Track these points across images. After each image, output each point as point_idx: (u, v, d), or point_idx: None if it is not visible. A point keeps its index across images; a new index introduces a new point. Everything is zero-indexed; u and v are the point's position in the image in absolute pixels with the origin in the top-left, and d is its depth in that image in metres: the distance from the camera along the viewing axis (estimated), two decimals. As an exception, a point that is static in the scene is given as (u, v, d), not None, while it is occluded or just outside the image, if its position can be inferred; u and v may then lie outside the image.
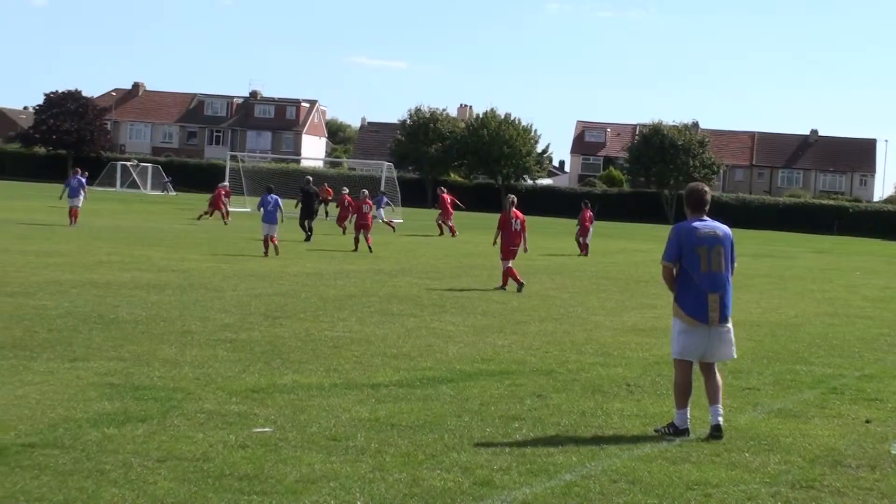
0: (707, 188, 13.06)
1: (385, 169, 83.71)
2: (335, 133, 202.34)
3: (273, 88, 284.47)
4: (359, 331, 19.49)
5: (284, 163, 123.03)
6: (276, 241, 37.22)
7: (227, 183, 66.05)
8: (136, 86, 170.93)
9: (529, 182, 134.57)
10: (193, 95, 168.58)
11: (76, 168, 54.74)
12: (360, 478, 9.97)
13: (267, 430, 11.58)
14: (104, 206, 65.72)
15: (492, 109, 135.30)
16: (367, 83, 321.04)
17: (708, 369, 12.59)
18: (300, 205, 50.80)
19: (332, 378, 14.80)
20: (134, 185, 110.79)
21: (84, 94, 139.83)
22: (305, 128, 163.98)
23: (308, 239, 47.15)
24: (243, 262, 33.02)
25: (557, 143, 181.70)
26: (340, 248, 42.36)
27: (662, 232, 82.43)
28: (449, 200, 59.32)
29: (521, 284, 28.86)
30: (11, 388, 12.91)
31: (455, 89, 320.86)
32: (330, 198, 67.68)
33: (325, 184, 67.01)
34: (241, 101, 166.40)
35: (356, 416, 12.45)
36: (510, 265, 29.43)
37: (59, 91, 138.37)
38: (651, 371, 16.76)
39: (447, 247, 48.98)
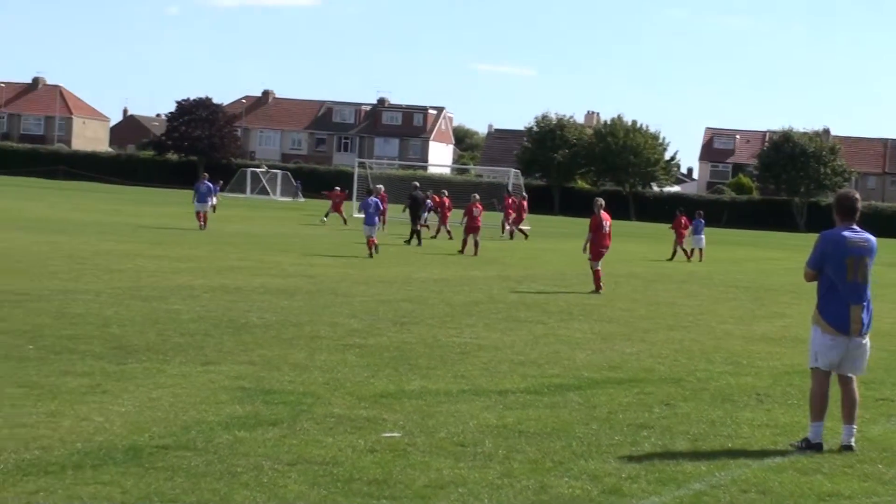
0: (857, 196, 12.69)
1: (512, 175, 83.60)
2: (462, 140, 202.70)
3: (401, 96, 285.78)
4: (486, 337, 19.51)
5: (412, 169, 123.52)
6: (375, 241, 39.17)
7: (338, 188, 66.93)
8: (265, 93, 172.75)
9: (657, 189, 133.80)
10: (322, 103, 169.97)
11: (204, 173, 55.74)
12: (488, 484, 9.98)
13: (395, 434, 11.64)
14: (234, 213, 66.53)
15: (619, 116, 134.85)
16: (494, 90, 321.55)
17: (846, 382, 12.36)
18: (407, 210, 51.12)
19: (460, 384, 14.83)
20: (263, 191, 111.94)
21: (215, 101, 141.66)
22: (433, 135, 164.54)
23: (408, 242, 47.84)
24: (371, 268, 33.21)
25: (686, 150, 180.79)
26: (450, 252, 42.40)
27: (792, 240, 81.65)
28: (525, 206, 59.20)
29: (598, 289, 29.54)
30: (145, 391, 13.11)
31: (582, 96, 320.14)
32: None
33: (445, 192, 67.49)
34: (369, 108, 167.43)
35: (484, 422, 12.46)
36: (599, 267, 29.98)
37: (191, 99, 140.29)
38: (781, 381, 16.57)
39: (574, 253, 48.79)
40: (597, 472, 10.53)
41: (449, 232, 55.35)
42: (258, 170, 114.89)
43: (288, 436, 11.31)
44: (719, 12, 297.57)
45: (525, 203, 61.93)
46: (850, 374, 12.32)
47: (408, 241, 47.96)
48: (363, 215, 41.40)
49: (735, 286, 35.24)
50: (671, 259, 48.41)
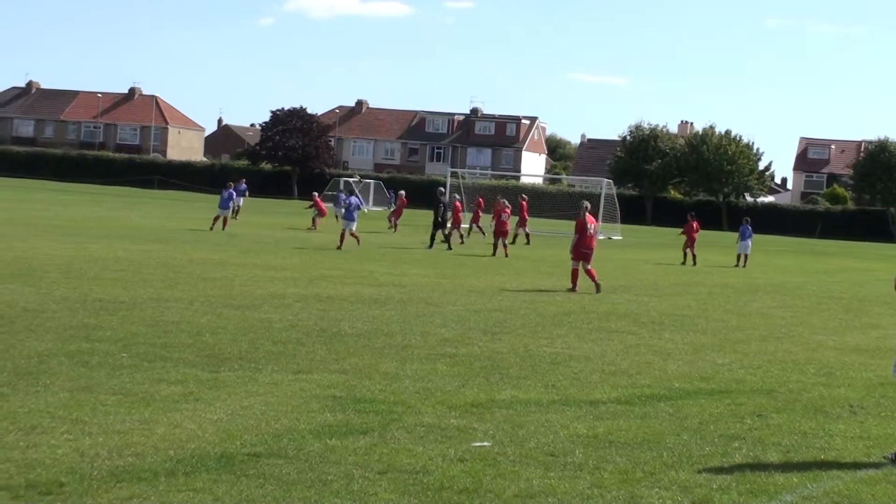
0: None
1: (605, 185, 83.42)
2: (554, 149, 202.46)
3: (493, 105, 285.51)
4: (577, 347, 19.48)
5: (504, 179, 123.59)
6: (355, 235, 44.15)
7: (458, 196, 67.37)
8: (359, 103, 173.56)
9: (751, 199, 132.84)
10: (415, 113, 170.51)
11: (230, 182, 57.92)
12: (579, 494, 9.97)
13: (486, 444, 11.65)
14: (327, 222, 66.82)
15: (712, 126, 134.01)
16: (586, 99, 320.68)
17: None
18: (434, 214, 51.16)
19: (551, 394, 14.82)
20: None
21: (309, 111, 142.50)
22: (525, 144, 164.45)
23: (430, 247, 47.98)
24: (462, 277, 33.25)
25: (780, 160, 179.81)
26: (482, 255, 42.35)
27: (887, 251, 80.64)
28: (525, 207, 59.25)
29: (598, 285, 30.84)
30: (238, 399, 13.23)
31: (675, 105, 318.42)
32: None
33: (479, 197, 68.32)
34: (461, 118, 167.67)
35: (574, 432, 12.45)
36: (589, 267, 31.27)
37: (285, 108, 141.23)
38: (875, 392, 16.40)
39: (667, 264, 48.61)
40: (687, 483, 10.49)
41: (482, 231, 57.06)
42: (351, 179, 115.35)
43: (378, 444, 11.36)
44: (814, 21, 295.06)
45: (524, 204, 62.36)
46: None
47: (430, 247, 48.00)
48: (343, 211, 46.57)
49: (829, 297, 34.89)
50: (683, 264, 48.60)
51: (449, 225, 50.20)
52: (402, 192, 67.76)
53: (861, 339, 23.57)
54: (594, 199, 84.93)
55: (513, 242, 55.98)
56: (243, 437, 11.32)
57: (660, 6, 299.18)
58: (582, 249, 31.53)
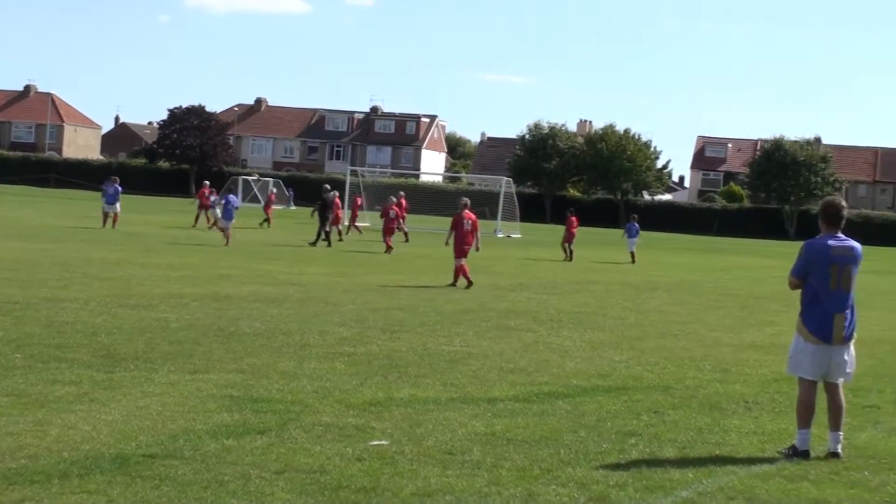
0: (844, 203, 12.63)
1: (504, 184, 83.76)
2: (454, 148, 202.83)
3: (393, 104, 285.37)
4: (476, 345, 19.51)
5: (404, 177, 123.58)
6: (229, 233, 45.40)
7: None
8: (258, 101, 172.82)
9: (648, 197, 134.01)
10: (315, 111, 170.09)
11: (114, 176, 58.14)
12: (476, 492, 9.98)
13: (383, 443, 11.64)
14: (252, 222, 66.43)
15: (611, 125, 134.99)
16: (486, 98, 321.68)
17: (832, 390, 12.36)
18: (316, 212, 51.33)
19: (449, 392, 14.83)
20: (255, 199, 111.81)
21: (207, 109, 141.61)
22: (425, 143, 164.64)
23: (313, 244, 48.15)
24: (361, 276, 33.21)
25: (677, 159, 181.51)
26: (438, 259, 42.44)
27: (782, 248, 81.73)
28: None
29: (470, 283, 31.28)
30: (133, 400, 13.10)
31: (575, 105, 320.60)
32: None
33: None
34: (361, 116, 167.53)
35: (472, 430, 12.46)
36: (463, 263, 31.80)
37: (183, 106, 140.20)
38: (770, 388, 16.59)
39: (565, 263, 48.90)
40: (584, 480, 10.54)
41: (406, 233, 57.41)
42: (250, 178, 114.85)
43: (276, 444, 11.30)
44: (712, 21, 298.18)
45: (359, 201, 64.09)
46: (836, 382, 12.33)
47: (313, 243, 48.08)
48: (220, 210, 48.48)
49: (725, 294, 35.28)
50: (565, 259, 49.95)
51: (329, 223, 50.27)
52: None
53: (756, 335, 23.85)
54: (494, 197, 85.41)
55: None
56: (139, 438, 11.21)
57: (560, 6, 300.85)
58: (462, 246, 32.13)
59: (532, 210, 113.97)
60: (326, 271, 34.20)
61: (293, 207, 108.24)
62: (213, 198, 54.77)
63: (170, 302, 23.06)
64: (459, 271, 31.72)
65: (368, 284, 30.47)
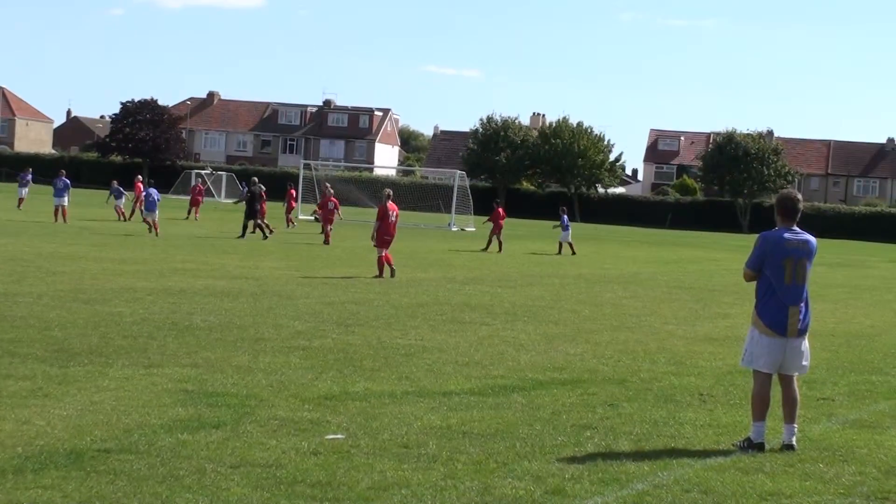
0: (799, 196, 12.68)
1: (457, 177, 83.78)
2: (408, 141, 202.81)
3: (346, 97, 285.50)
4: (431, 339, 19.52)
5: (357, 171, 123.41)
6: (155, 224, 46.80)
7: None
8: (210, 95, 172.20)
9: (602, 191, 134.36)
10: (268, 104, 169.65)
11: (62, 170, 59.33)
12: (432, 485, 9.99)
13: (339, 437, 11.63)
14: (179, 214, 66.26)
15: (564, 118, 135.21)
16: (439, 92, 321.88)
17: (787, 382, 12.41)
18: (244, 203, 51.45)
19: (404, 386, 14.83)
20: (208, 193, 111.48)
21: (160, 103, 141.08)
22: (378, 136, 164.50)
23: (241, 237, 48.09)
24: (315, 269, 33.15)
25: (630, 152, 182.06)
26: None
27: (736, 241, 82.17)
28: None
29: (393, 271, 31.87)
30: (87, 394, 13.04)
31: (528, 98, 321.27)
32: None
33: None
34: (314, 109, 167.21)
35: (428, 423, 12.47)
36: (386, 253, 32.12)
37: (136, 100, 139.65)
38: (724, 381, 16.66)
39: (519, 256, 48.98)
40: (540, 473, 10.56)
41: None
42: (203, 171, 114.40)
43: (231, 438, 11.27)
44: (665, 15, 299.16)
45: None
46: (791, 374, 12.40)
47: (241, 236, 48.01)
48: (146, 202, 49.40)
49: (678, 287, 35.41)
50: (486, 250, 50.88)
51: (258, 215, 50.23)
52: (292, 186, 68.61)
53: (710, 328, 23.95)
54: (447, 191, 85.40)
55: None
56: (93, 433, 11.16)
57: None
58: (385, 236, 32.35)
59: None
60: (280, 265, 34.12)
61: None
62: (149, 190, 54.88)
63: (123, 296, 22.96)
64: (383, 261, 31.97)
65: (323, 278, 30.41)
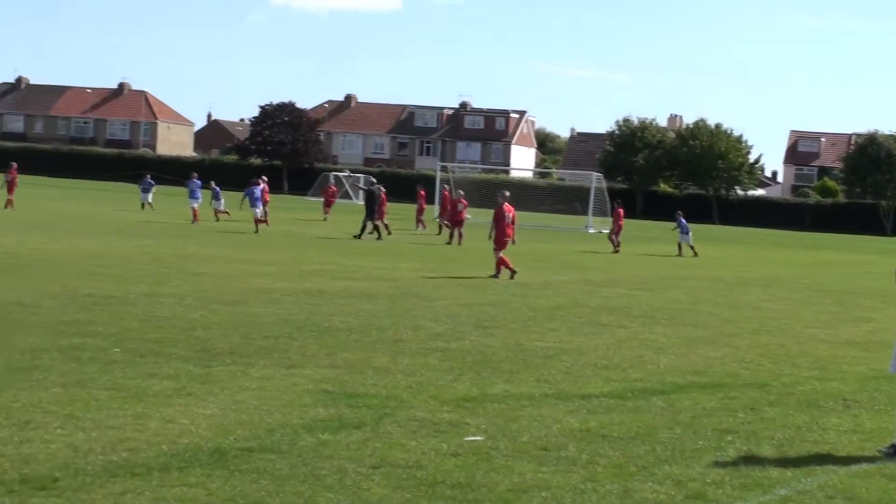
0: None
1: (594, 179, 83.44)
2: (544, 143, 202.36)
3: (483, 99, 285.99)
4: (569, 341, 19.47)
5: (493, 173, 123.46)
6: (260, 221, 49.44)
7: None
8: (348, 98, 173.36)
9: (741, 193, 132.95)
10: (404, 107, 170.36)
11: (194, 172, 61.58)
12: (572, 488, 9.96)
13: (478, 438, 11.64)
14: (317, 216, 66.88)
15: (702, 119, 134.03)
16: (576, 93, 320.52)
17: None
18: (364, 204, 51.43)
19: (543, 388, 14.81)
20: (346, 195, 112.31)
21: (298, 106, 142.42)
22: (515, 138, 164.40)
23: (358, 237, 48.11)
24: (453, 271, 33.22)
25: (770, 153, 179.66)
26: (530, 255, 42.32)
27: (879, 244, 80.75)
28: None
29: (513, 272, 31.78)
30: (230, 394, 13.21)
31: (665, 99, 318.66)
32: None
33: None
34: (451, 112, 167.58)
35: (567, 426, 12.44)
36: (502, 255, 32.14)
37: (274, 103, 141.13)
38: (868, 386, 16.39)
39: (657, 258, 48.67)
40: (681, 477, 10.48)
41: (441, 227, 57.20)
42: (340, 174, 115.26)
43: (371, 439, 11.34)
44: (804, 14, 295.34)
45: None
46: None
47: (358, 236, 48.08)
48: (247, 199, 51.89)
49: (819, 290, 34.91)
50: (616, 251, 50.92)
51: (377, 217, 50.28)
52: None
53: (853, 332, 23.57)
54: (584, 193, 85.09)
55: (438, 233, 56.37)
56: (236, 432, 11.30)
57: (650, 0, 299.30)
58: (503, 238, 32.48)
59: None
60: (419, 267, 34.25)
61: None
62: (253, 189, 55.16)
63: (264, 297, 23.21)
64: (501, 263, 32.04)
65: (460, 280, 30.49)
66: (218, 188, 58.19)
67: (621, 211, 53.75)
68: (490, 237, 33.02)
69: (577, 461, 10.90)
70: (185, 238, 40.82)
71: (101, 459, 10.04)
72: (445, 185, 62.88)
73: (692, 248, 51.88)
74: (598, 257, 46.04)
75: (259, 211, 50.88)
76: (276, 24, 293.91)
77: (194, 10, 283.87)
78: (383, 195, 51.89)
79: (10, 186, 55.07)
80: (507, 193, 33.93)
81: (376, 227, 48.89)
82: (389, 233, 50.42)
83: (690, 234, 52.36)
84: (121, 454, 10.26)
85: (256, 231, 47.59)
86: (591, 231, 73.16)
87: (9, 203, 54.02)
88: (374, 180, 53.47)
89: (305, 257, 35.32)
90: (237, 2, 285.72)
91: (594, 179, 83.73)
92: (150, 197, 62.97)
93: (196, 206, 54.69)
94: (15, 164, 58.12)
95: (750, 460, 11.32)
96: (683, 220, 52.83)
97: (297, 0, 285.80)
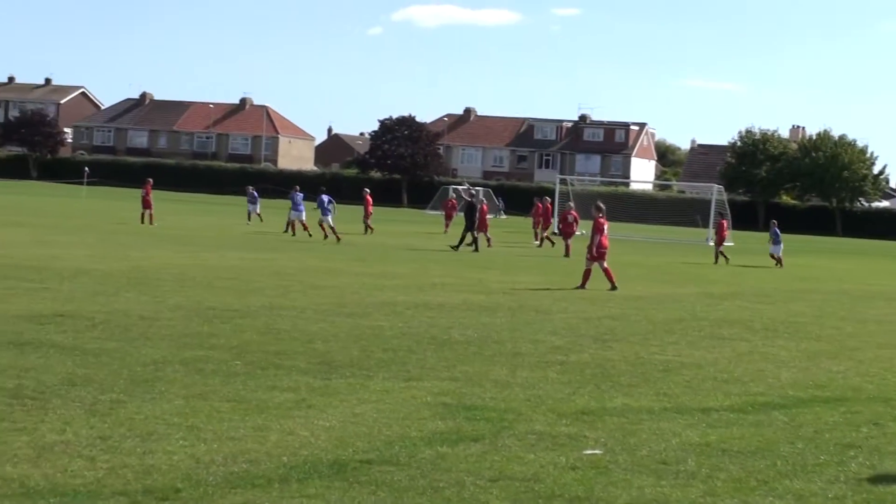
0: None
1: (715, 191, 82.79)
2: (664, 155, 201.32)
3: (602, 112, 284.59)
4: (688, 354, 19.34)
5: (613, 185, 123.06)
6: (326, 226, 50.89)
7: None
8: (467, 111, 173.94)
9: (865, 204, 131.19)
10: (523, 120, 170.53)
11: (296, 185, 60.74)
12: (691, 502, 9.90)
13: (597, 452, 11.61)
14: (437, 229, 67.10)
15: (825, 130, 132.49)
16: (696, 105, 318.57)
17: None
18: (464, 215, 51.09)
19: (662, 402, 14.73)
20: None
21: (417, 119, 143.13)
22: (634, 151, 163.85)
23: (455, 248, 48.00)
24: (572, 284, 33.13)
25: (895, 164, 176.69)
26: (646, 269, 42.04)
27: None
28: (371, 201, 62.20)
29: (615, 285, 31.77)
30: (349, 406, 13.29)
31: (786, 110, 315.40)
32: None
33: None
34: (570, 124, 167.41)
35: (686, 440, 12.36)
36: (606, 266, 32.19)
37: (394, 117, 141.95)
38: None
39: (777, 271, 48.15)
40: (802, 492, 10.37)
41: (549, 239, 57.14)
42: (460, 187, 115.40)
43: (490, 452, 11.36)
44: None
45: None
46: None
47: (456, 247, 47.97)
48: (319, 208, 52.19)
49: (947, 303, 34.28)
50: (726, 262, 50.55)
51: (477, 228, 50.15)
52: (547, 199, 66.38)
53: (980, 346, 23.12)
54: (705, 205, 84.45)
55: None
56: (355, 444, 11.37)
57: (771, 10, 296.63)
58: (601, 249, 32.38)
59: (744, 218, 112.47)
60: (538, 280, 34.22)
61: (503, 217, 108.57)
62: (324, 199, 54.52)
63: (383, 310, 23.33)
64: (590, 274, 32.10)
65: (580, 293, 30.41)
66: (325, 198, 54.82)
67: (724, 223, 53.68)
68: (590, 249, 32.62)
69: (696, 475, 10.83)
70: (306, 251, 41.15)
71: (222, 471, 10.17)
72: (547, 198, 62.52)
73: (779, 259, 51.19)
74: (718, 270, 45.66)
75: (327, 219, 51.36)
76: (396, 39, 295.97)
77: (315, 26, 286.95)
78: (483, 206, 51.99)
79: (146, 202, 56.18)
80: (603, 206, 33.70)
81: (475, 239, 48.85)
82: (490, 245, 50.40)
83: (782, 245, 51.70)
84: (241, 465, 10.37)
85: (326, 237, 49.66)
86: (711, 244, 72.49)
87: (149, 218, 55.39)
88: (474, 192, 53.45)
89: (426, 270, 35.44)
90: (358, 17, 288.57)
91: (714, 191, 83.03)
92: (257, 208, 64.31)
93: (297, 217, 54.12)
94: (150, 181, 59.44)
95: (873, 476, 11.17)
96: (777, 231, 52.28)
97: (417, 14, 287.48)
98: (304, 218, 53.86)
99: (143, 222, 54.06)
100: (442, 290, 28.67)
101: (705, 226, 79.91)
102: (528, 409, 13.65)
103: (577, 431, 12.53)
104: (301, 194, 55.12)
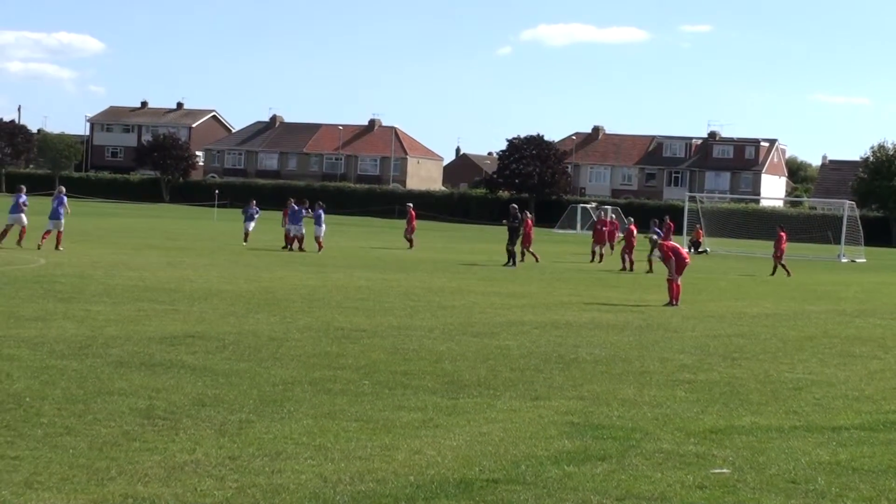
0: None
1: (847, 207, 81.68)
2: (795, 172, 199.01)
3: (731, 128, 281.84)
4: (819, 372, 19.12)
5: (743, 203, 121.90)
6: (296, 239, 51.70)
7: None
8: (595, 129, 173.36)
9: None
10: (652, 138, 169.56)
11: (304, 199, 59.87)
12: (821, 522, 9.80)
13: (725, 471, 11.54)
14: (565, 248, 66.98)
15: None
16: (828, 120, 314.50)
17: None
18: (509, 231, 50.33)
19: (792, 420, 14.59)
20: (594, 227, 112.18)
21: (546, 138, 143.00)
22: (765, 167, 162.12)
23: (507, 264, 47.39)
24: (701, 303, 32.91)
25: None
26: (780, 284, 41.57)
27: None
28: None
29: (672, 302, 31.65)
30: (476, 426, 13.35)
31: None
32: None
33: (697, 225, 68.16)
34: (699, 142, 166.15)
35: (816, 459, 12.23)
36: (679, 282, 32.00)
37: (522, 136, 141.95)
38: None
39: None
40: (935, 512, 10.22)
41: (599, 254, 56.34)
42: (588, 206, 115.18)
43: (616, 471, 11.34)
44: None
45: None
46: None
47: (507, 264, 47.43)
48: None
49: None
50: (782, 275, 49.73)
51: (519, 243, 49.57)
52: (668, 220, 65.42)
53: None
54: (836, 221, 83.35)
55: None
56: (482, 464, 11.42)
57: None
58: (682, 263, 32.35)
59: (877, 234, 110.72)
60: (666, 298, 34.00)
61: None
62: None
63: (511, 329, 23.37)
64: (677, 289, 31.93)
65: (709, 311, 30.21)
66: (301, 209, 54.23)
67: (783, 235, 52.21)
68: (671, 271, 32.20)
69: (825, 494, 10.72)
70: (434, 272, 41.30)
71: (350, 490, 10.27)
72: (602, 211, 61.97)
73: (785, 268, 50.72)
74: (851, 287, 45.02)
75: (320, 230, 52.12)
76: (525, 58, 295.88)
77: (444, 47, 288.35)
78: (529, 221, 51.70)
79: (410, 227, 60.37)
80: (671, 225, 33.42)
81: (512, 254, 48.25)
82: (537, 260, 50.01)
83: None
84: (368, 484, 10.47)
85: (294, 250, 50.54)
86: (844, 260, 71.60)
87: (412, 242, 59.08)
88: (517, 207, 53.22)
89: (553, 290, 35.41)
90: (487, 37, 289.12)
91: (846, 208, 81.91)
92: (251, 225, 57.64)
93: (297, 233, 52.68)
94: (411, 205, 62.88)
95: None
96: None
97: (546, 34, 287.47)
98: (303, 232, 52.76)
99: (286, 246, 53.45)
100: (569, 309, 28.63)
101: (837, 242, 78.88)
102: (655, 428, 13.61)
103: (705, 450, 12.46)
104: (301, 208, 53.78)
